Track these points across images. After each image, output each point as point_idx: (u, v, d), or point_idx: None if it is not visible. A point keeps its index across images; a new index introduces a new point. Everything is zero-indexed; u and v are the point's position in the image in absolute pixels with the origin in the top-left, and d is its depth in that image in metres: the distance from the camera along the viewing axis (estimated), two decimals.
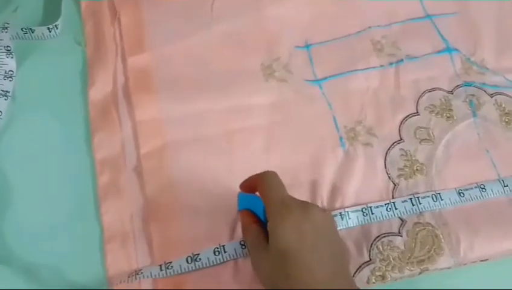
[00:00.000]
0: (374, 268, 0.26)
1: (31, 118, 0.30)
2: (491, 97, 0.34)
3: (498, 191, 0.30)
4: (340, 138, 0.31)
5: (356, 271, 0.26)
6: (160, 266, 0.26)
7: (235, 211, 0.28)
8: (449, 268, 0.27)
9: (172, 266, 0.26)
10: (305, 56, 0.34)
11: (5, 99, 0.30)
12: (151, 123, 0.30)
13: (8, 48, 0.31)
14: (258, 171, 0.29)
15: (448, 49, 0.35)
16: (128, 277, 0.25)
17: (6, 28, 0.31)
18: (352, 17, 0.36)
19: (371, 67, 0.34)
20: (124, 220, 0.27)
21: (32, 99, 0.30)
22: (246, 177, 0.28)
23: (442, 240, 0.28)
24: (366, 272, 0.26)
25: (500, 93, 0.34)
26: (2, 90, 0.30)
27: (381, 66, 0.34)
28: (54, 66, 0.32)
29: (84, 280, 0.26)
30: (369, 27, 0.35)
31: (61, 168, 0.28)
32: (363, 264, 0.26)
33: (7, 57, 0.30)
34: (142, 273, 0.25)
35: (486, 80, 0.35)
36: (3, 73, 0.30)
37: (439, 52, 0.35)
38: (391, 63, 0.34)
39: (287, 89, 0.32)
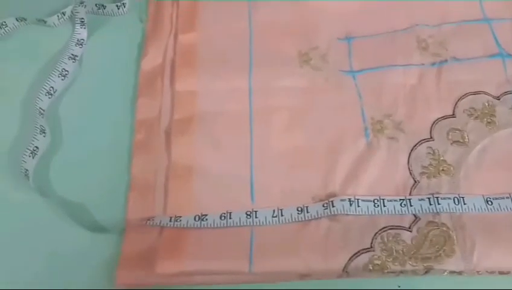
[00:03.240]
0: (373, 256, 0.26)
1: (91, 80, 0.35)
2: None
3: None
4: (366, 129, 0.31)
5: (353, 256, 0.26)
6: (171, 217, 0.28)
7: (247, 184, 0.29)
8: (460, 273, 0.26)
9: (180, 220, 0.28)
10: (345, 48, 0.35)
11: (73, 62, 0.35)
12: (187, 94, 0.33)
13: (83, 20, 0.36)
14: (277, 150, 0.31)
15: (501, 54, 0.33)
16: (142, 221, 0.28)
17: (83, 3, 0.36)
18: (400, 13, 0.35)
19: (411, 64, 0.33)
20: (148, 174, 0.30)
21: (95, 65, 0.35)
22: (263, 154, 0.30)
23: (455, 243, 0.26)
24: (363, 258, 0.26)
25: None
26: (72, 54, 0.35)
27: (423, 64, 0.33)
28: (118, 39, 0.36)
29: (106, 219, 0.29)
30: (417, 25, 0.35)
31: (107, 124, 0.33)
32: (361, 250, 0.26)
33: (81, 28, 0.36)
34: (153, 220, 0.28)
35: None
36: (75, 40, 0.36)
37: (490, 56, 0.33)
38: (434, 63, 0.33)
39: (320, 76, 0.33)
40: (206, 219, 0.28)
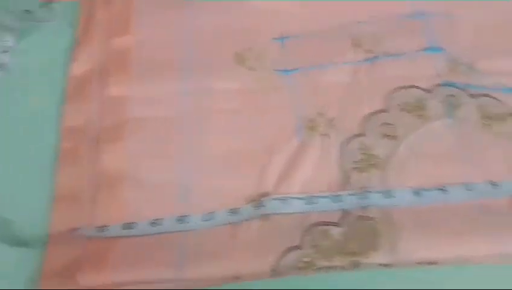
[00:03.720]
0: (302, 254, 0.26)
1: (17, 87, 0.33)
2: (474, 99, 0.31)
3: (461, 195, 0.28)
4: (299, 127, 0.31)
5: (281, 255, 0.26)
6: (97, 227, 0.27)
7: (180, 188, 0.29)
8: (387, 266, 0.26)
9: (108, 229, 0.27)
10: (281, 48, 0.35)
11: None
12: (119, 100, 0.32)
13: (10, 27, 0.35)
14: (212, 152, 0.30)
15: (433, 48, 0.34)
16: (67, 233, 0.27)
17: (11, 10, 0.35)
18: (334, 12, 0.36)
19: (345, 62, 0.33)
20: (75, 183, 0.29)
21: (22, 71, 0.34)
22: (199, 158, 0.29)
23: (382, 236, 0.26)
24: (292, 256, 0.26)
25: (486, 95, 0.32)
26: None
27: (358, 61, 0.33)
28: (47, 45, 0.35)
29: (28, 232, 0.28)
30: (351, 22, 0.35)
31: (32, 132, 0.31)
32: (290, 248, 0.26)
33: (8, 35, 0.35)
34: (79, 231, 0.27)
35: (472, 81, 0.32)
36: (2, 48, 0.34)
37: (421, 50, 0.34)
38: (367, 59, 0.34)
39: (255, 77, 0.33)
40: (134, 227, 0.27)
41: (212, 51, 0.34)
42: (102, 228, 0.27)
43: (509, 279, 0.27)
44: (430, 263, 0.26)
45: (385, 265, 0.26)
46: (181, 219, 0.28)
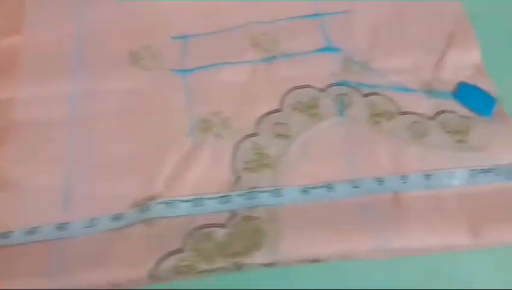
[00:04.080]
0: (182, 257, 0.25)
1: None
2: (364, 97, 0.33)
3: (346, 192, 0.29)
4: (192, 128, 0.31)
5: (160, 260, 0.25)
6: None
7: (62, 194, 0.28)
8: (271, 265, 0.26)
9: None
10: (180, 47, 0.34)
11: None
12: (5, 102, 0.30)
13: None
14: (100, 156, 0.29)
15: (329, 48, 0.34)
16: None
17: None
18: (235, 12, 0.36)
19: (242, 62, 0.33)
20: None
21: None
22: (82, 162, 0.28)
23: (266, 236, 0.26)
24: (171, 261, 0.25)
25: (376, 93, 0.33)
26: None
27: (254, 61, 0.34)
28: None
29: None
30: (250, 22, 0.35)
31: None
32: (169, 253, 0.25)
33: None
34: None
35: (365, 80, 0.33)
36: None
37: (318, 50, 0.34)
38: (265, 59, 0.34)
39: (150, 77, 0.32)
40: (10, 236, 0.26)
41: (106, 50, 0.33)
42: None
43: (392, 274, 0.28)
44: (313, 260, 0.26)
45: (267, 265, 0.26)
46: (61, 227, 0.27)
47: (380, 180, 0.29)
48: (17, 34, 0.33)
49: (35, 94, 0.31)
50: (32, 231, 0.26)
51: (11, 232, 0.26)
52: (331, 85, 0.33)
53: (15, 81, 0.31)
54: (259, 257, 0.26)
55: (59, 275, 0.25)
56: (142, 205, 0.27)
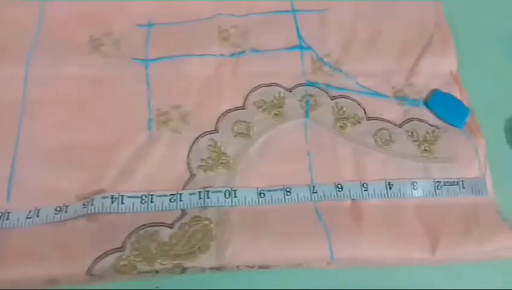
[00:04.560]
0: (121, 256, 0.24)
1: None
2: (332, 99, 0.31)
3: (304, 196, 0.28)
4: (149, 121, 0.29)
5: (98, 258, 0.24)
6: None
7: (6, 182, 0.26)
8: (216, 270, 0.25)
9: None
10: (144, 35, 0.33)
11: None
12: None
13: None
14: (48, 145, 0.28)
15: (300, 47, 0.33)
16: None
17: None
18: (205, 2, 0.34)
19: (208, 54, 0.32)
20: None
21: None
22: (30, 150, 0.27)
23: (213, 238, 0.25)
24: (110, 259, 0.24)
25: (344, 96, 0.32)
26: None
27: (221, 55, 0.32)
28: None
29: None
30: (219, 14, 0.34)
31: None
32: (109, 250, 0.24)
33: None
34: None
35: (333, 82, 0.32)
36: None
37: (289, 48, 0.33)
38: (233, 54, 0.32)
39: (110, 65, 0.31)
40: None
41: (66, 35, 0.31)
42: None
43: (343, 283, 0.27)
44: (261, 267, 0.25)
45: (212, 269, 0.25)
46: (2, 215, 0.25)
47: (339, 186, 0.28)
48: None
49: None
50: None
51: None
52: (299, 85, 0.32)
53: None
54: (204, 261, 0.24)
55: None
56: (88, 198, 0.26)
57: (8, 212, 0.25)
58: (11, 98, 0.29)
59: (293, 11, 0.35)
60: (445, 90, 0.32)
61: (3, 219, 0.25)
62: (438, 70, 0.33)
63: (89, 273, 0.24)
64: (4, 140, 0.27)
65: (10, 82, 0.29)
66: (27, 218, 0.25)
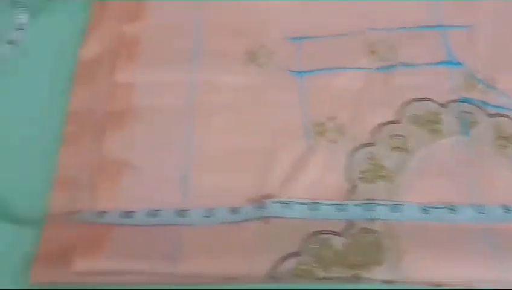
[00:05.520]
0: (300, 261, 0.25)
1: (27, 66, 0.33)
2: (490, 118, 0.31)
3: (471, 217, 0.27)
4: (306, 131, 0.30)
5: (279, 260, 0.25)
6: (95, 213, 0.27)
7: (180, 182, 0.28)
8: (391, 282, 0.25)
9: (105, 216, 0.26)
10: (294, 48, 0.34)
11: (11, 47, 0.33)
12: (125, 86, 0.32)
13: (23, 4, 0.34)
14: (215, 148, 0.29)
15: (451, 62, 0.33)
16: (64, 216, 0.27)
17: None
18: (352, 16, 0.35)
19: (357, 68, 0.33)
20: (76, 167, 0.29)
21: (33, 50, 0.34)
22: (202, 153, 0.29)
23: (386, 251, 0.25)
24: (290, 263, 0.25)
25: (502, 115, 0.31)
26: (10, 39, 0.33)
27: (370, 68, 0.33)
28: (60, 25, 0.35)
29: (26, 212, 0.27)
30: (368, 28, 0.34)
31: (38, 113, 0.31)
32: (289, 254, 0.25)
33: (21, 12, 0.34)
34: (76, 215, 0.27)
35: (489, 100, 0.31)
36: (14, 25, 0.34)
37: (439, 63, 0.33)
38: (382, 67, 0.33)
39: (265, 75, 0.32)
40: (132, 216, 0.27)
41: (221, 45, 0.33)
42: (100, 214, 0.27)
43: None
44: (436, 284, 0.25)
45: (387, 281, 0.25)
46: (180, 213, 0.27)
47: (507, 208, 0.27)
48: (138, 21, 0.34)
49: (153, 80, 0.32)
50: (153, 213, 0.27)
51: (133, 212, 0.27)
52: (453, 101, 0.31)
53: (134, 66, 0.32)
54: (380, 273, 0.25)
55: (180, 260, 0.25)
56: (259, 201, 0.27)
57: (186, 210, 0.27)
58: (179, 102, 0.31)
59: (440, 26, 0.35)
60: None
61: (181, 216, 0.27)
62: None
63: (269, 274, 0.25)
64: (174, 142, 0.29)
65: (175, 87, 0.31)
66: (204, 216, 0.27)
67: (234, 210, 0.27)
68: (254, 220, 0.27)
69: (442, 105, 0.31)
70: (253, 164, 0.29)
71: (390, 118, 0.31)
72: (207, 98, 0.31)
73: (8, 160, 0.29)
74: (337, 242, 0.26)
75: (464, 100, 0.31)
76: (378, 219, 0.26)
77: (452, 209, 0.27)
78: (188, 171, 0.29)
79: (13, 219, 0.27)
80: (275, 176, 0.28)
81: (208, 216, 0.27)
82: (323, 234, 0.26)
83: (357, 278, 0.25)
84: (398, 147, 0.30)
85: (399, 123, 0.31)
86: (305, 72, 0.33)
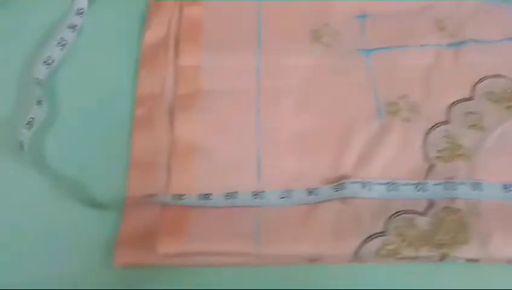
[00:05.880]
0: (386, 241, 0.25)
1: (91, 51, 0.33)
2: None
3: None
4: (378, 110, 0.30)
5: (365, 240, 0.25)
6: (173, 195, 0.27)
7: (253, 164, 0.28)
8: (477, 261, 0.25)
9: (183, 198, 0.27)
10: (359, 26, 0.33)
11: (72, 32, 0.33)
12: (191, 70, 0.31)
13: None
14: (286, 130, 0.29)
15: None
16: (143, 199, 0.27)
17: None
18: None
19: (427, 44, 0.32)
20: (150, 150, 0.29)
21: (96, 35, 0.34)
22: (271, 134, 0.28)
23: (471, 230, 0.25)
24: (376, 242, 0.25)
25: None
26: (71, 24, 0.33)
27: (440, 44, 0.32)
28: (121, 9, 0.34)
29: (105, 195, 0.28)
30: (434, 4, 0.33)
31: (107, 97, 0.31)
32: (374, 234, 0.25)
33: None
34: (155, 197, 0.27)
35: None
36: (75, 9, 0.34)
37: (510, 39, 0.32)
38: (451, 44, 0.32)
39: (331, 54, 0.32)
40: (210, 198, 0.27)
41: (284, 26, 0.33)
42: (178, 196, 0.27)
43: None
44: None
45: (474, 260, 0.25)
46: (257, 194, 0.27)
47: None
48: (198, 4, 0.34)
49: (220, 64, 0.31)
50: (230, 195, 0.27)
51: (210, 194, 0.27)
52: None
53: (199, 49, 0.32)
54: (467, 251, 0.24)
55: (262, 241, 0.25)
56: (336, 182, 0.27)
57: (261, 192, 0.27)
58: (246, 85, 0.31)
59: (506, 1, 0.33)
60: None
61: (259, 198, 0.27)
62: None
63: (356, 254, 0.24)
64: (246, 125, 0.29)
65: (244, 70, 0.31)
66: (281, 198, 0.27)
67: (311, 191, 0.27)
68: (332, 201, 0.26)
69: None
70: (327, 145, 0.28)
71: (464, 96, 0.30)
72: (274, 79, 0.31)
73: (83, 144, 0.29)
74: (422, 222, 0.25)
75: None
76: (459, 197, 0.26)
77: None
78: (261, 154, 0.28)
79: (93, 203, 0.27)
80: (350, 157, 0.28)
81: (284, 197, 0.27)
82: (405, 213, 0.26)
83: (443, 257, 0.24)
84: (474, 125, 0.29)
85: (473, 100, 0.30)
86: (372, 50, 0.32)
